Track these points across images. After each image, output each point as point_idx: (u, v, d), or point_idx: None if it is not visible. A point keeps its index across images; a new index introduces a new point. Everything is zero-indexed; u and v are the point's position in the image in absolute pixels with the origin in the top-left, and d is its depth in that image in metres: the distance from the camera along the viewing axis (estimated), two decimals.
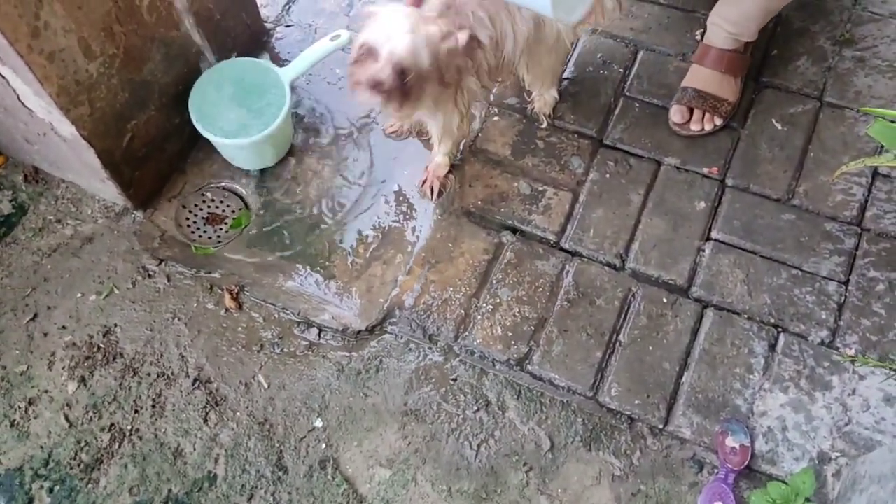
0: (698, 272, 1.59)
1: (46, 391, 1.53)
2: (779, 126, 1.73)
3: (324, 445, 1.47)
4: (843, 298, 1.54)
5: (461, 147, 1.73)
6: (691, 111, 1.72)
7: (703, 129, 1.72)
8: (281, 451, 1.46)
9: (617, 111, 1.79)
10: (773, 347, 1.50)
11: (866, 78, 1.77)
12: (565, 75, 1.83)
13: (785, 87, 1.78)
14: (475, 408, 1.49)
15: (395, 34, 1.26)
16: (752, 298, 1.55)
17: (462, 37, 1.30)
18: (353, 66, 1.33)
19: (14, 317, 1.61)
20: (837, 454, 1.39)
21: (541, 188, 1.70)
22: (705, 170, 1.69)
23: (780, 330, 1.52)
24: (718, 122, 1.71)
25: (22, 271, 1.66)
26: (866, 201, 1.63)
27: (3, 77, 1.38)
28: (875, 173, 1.65)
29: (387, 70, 1.27)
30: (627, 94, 1.81)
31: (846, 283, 1.55)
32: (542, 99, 1.74)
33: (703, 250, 1.61)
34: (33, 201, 1.75)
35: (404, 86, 1.29)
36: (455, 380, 1.52)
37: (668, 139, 1.74)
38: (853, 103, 1.73)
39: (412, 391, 1.51)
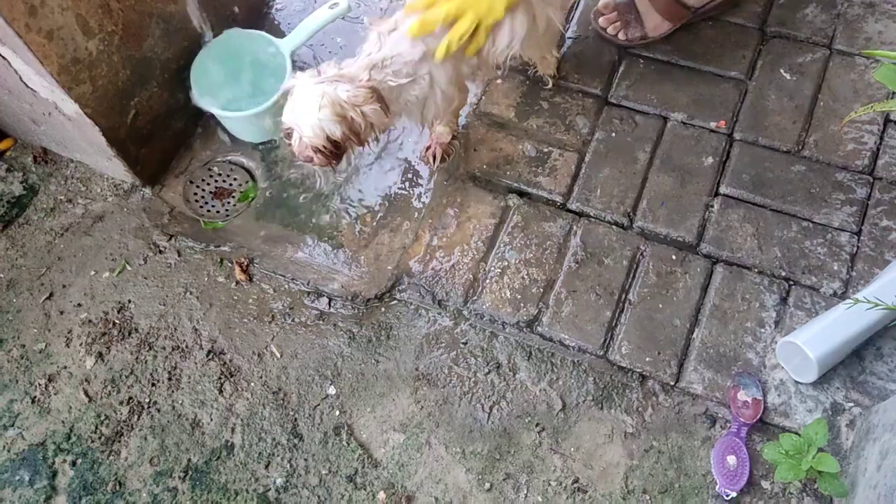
0: (707, 228, 1.57)
1: (65, 367, 1.56)
2: (787, 76, 1.70)
3: (338, 412, 1.48)
4: (855, 249, 1.52)
5: (460, 115, 1.70)
6: (617, 14, 1.77)
7: (606, 30, 1.78)
8: (296, 419, 1.48)
9: (621, 69, 1.76)
10: (784, 301, 1.49)
11: (876, 24, 1.73)
12: (568, 35, 1.81)
13: (793, 35, 1.75)
14: (486, 370, 1.50)
15: (302, 116, 1.28)
16: (763, 252, 1.53)
17: (368, 109, 1.29)
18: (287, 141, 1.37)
19: (30, 296, 1.64)
20: (851, 404, 1.39)
21: (546, 149, 1.69)
22: (713, 124, 1.67)
23: (791, 283, 1.50)
24: (622, 38, 1.76)
25: (36, 251, 1.69)
26: (878, 149, 1.60)
27: (4, 58, 1.39)
28: (887, 120, 1.62)
29: (306, 151, 1.33)
30: (631, 51, 1.78)
31: (858, 233, 1.53)
32: (545, 61, 1.72)
33: (712, 206, 1.59)
34: (43, 182, 1.77)
35: (335, 149, 1.33)
36: (465, 343, 1.52)
37: (675, 95, 1.71)
38: (863, 50, 1.69)
39: (423, 356, 1.52)
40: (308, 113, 1.28)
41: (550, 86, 1.75)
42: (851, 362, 1.42)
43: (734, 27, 1.78)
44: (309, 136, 1.30)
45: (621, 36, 1.76)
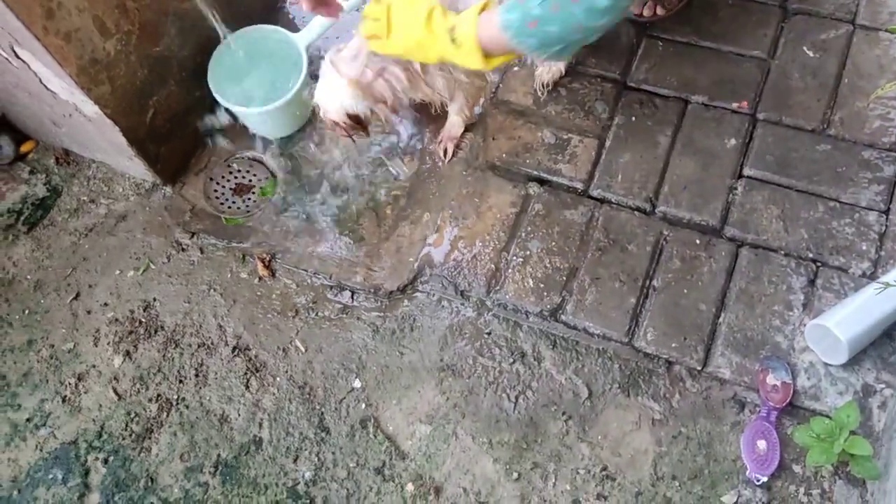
0: (731, 211, 1.55)
1: (94, 366, 1.58)
2: (810, 53, 1.67)
3: (363, 405, 1.49)
4: (884, 228, 1.49)
5: (476, 107, 1.69)
6: None
7: (641, 14, 1.73)
8: (322, 413, 1.49)
9: (640, 51, 1.74)
10: (812, 282, 1.47)
11: None
12: None
13: (815, 12, 1.71)
14: (511, 360, 1.49)
15: (327, 99, 1.41)
16: (789, 234, 1.51)
17: (369, 74, 1.36)
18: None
19: (58, 296, 1.66)
20: (882, 385, 1.37)
21: (565, 136, 1.67)
22: (734, 105, 1.64)
23: (818, 264, 1.48)
24: (661, 12, 1.72)
25: (61, 252, 1.70)
26: None
27: (24, 61, 1.40)
28: None
29: (335, 126, 1.45)
30: (650, 33, 1.76)
31: (887, 212, 1.50)
32: (549, 68, 1.67)
33: (736, 188, 1.57)
34: (66, 183, 1.78)
35: (359, 122, 1.44)
36: (489, 333, 1.52)
37: (695, 76, 1.68)
38: (887, 24, 1.66)
39: (447, 347, 1.52)
40: (328, 91, 1.39)
41: (542, 96, 1.70)
42: (882, 343, 1.39)
43: (755, 5, 1.74)
44: (328, 112, 1.42)
45: (647, 12, 1.73)
